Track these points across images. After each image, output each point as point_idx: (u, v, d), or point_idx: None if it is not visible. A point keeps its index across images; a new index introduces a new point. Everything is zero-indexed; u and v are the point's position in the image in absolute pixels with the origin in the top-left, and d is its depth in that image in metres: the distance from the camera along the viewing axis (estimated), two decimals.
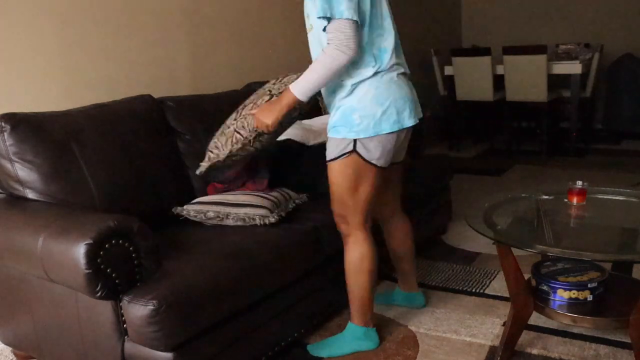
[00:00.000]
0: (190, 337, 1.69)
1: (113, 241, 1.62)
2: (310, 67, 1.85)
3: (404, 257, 2.38)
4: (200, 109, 2.63)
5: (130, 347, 1.68)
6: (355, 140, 1.89)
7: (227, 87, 3.05)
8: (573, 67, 5.00)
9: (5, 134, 1.92)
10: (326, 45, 1.80)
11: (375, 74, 1.87)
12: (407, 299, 2.49)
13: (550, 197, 2.30)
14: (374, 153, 1.90)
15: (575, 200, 2.16)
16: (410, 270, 2.42)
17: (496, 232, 1.95)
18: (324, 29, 1.81)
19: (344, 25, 1.76)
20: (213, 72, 3.15)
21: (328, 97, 1.98)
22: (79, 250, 1.57)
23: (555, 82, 5.09)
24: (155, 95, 2.53)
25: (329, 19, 1.77)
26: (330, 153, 1.95)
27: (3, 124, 1.92)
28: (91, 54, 2.52)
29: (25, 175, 1.94)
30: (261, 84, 3.07)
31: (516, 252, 1.90)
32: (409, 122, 1.93)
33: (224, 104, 2.77)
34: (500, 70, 5.19)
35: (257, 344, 1.96)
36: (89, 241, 1.57)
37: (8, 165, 1.94)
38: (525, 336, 2.17)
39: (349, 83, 1.88)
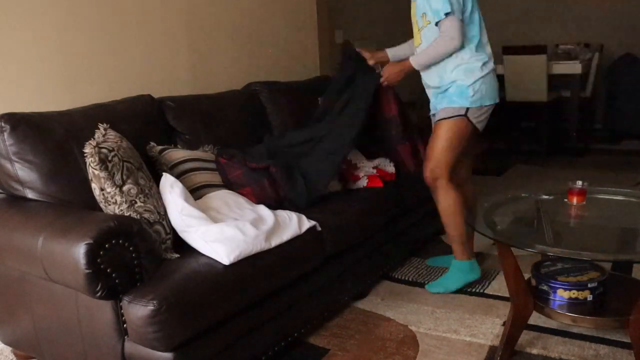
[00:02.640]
0: (190, 337, 1.69)
1: (113, 241, 1.62)
2: (426, 49, 2.46)
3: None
4: (200, 109, 2.63)
5: (130, 347, 1.68)
6: (467, 108, 2.44)
7: (227, 87, 3.05)
8: (573, 67, 5.00)
9: (5, 134, 1.92)
10: (439, 36, 2.40)
11: (484, 63, 2.46)
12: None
13: (550, 197, 2.30)
14: (479, 119, 2.50)
15: (575, 200, 2.16)
16: (469, 235, 2.69)
17: (496, 232, 1.95)
18: (436, 24, 2.38)
19: (452, 20, 2.35)
20: (213, 72, 3.15)
21: (443, 75, 2.49)
22: (79, 250, 1.57)
23: (555, 82, 5.08)
24: (155, 95, 2.53)
25: (446, 14, 2.34)
26: (442, 114, 2.49)
27: (3, 124, 1.92)
28: (91, 54, 2.52)
29: (25, 175, 1.94)
30: (261, 84, 3.08)
31: (516, 252, 1.90)
32: (497, 99, 2.56)
33: (224, 104, 2.77)
34: (500, 70, 5.19)
35: (257, 344, 1.96)
36: (89, 241, 1.57)
37: (8, 165, 1.94)
38: (525, 336, 2.17)
39: (462, 67, 2.43)
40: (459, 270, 2.59)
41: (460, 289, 2.60)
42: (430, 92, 2.65)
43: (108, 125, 1.99)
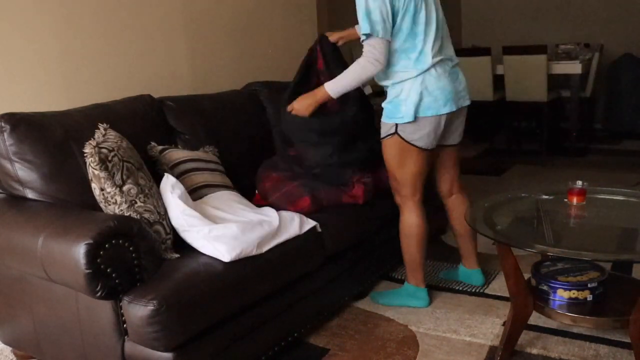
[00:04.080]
0: (190, 337, 1.69)
1: (113, 241, 1.62)
2: (345, 72, 2.25)
3: (460, 235, 2.63)
4: (200, 109, 2.63)
5: (130, 347, 1.68)
6: (396, 125, 2.25)
7: (227, 87, 3.05)
8: (573, 67, 5.00)
9: (5, 134, 1.92)
10: (361, 57, 2.17)
11: (417, 74, 2.20)
12: (465, 276, 2.71)
13: (550, 197, 2.30)
14: (412, 135, 2.25)
15: (575, 200, 2.16)
16: (468, 247, 2.64)
17: (496, 232, 1.95)
18: (362, 41, 2.18)
19: (374, 42, 2.13)
20: (213, 72, 3.15)
21: (384, 85, 2.33)
22: (79, 250, 1.57)
23: (555, 82, 5.08)
24: (155, 95, 2.52)
25: (368, 35, 2.13)
26: (381, 133, 2.34)
27: (3, 124, 1.92)
28: (91, 54, 2.52)
29: (25, 175, 1.94)
30: (261, 84, 3.08)
31: (516, 252, 1.90)
32: (444, 109, 2.24)
33: (224, 104, 2.77)
34: (500, 70, 5.19)
35: (257, 343, 1.96)
36: (89, 241, 1.57)
37: (8, 165, 1.94)
38: (525, 336, 2.17)
39: (396, 82, 2.25)
40: (405, 291, 2.51)
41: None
42: None
43: (108, 125, 1.99)
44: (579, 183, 2.17)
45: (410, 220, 2.40)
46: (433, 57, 2.21)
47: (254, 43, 3.43)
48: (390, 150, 2.32)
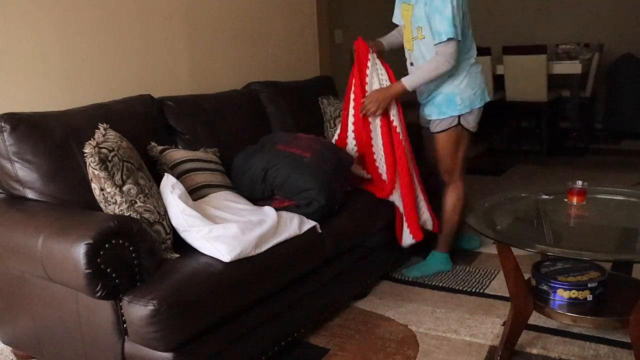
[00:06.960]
0: (190, 337, 1.69)
1: (113, 241, 1.62)
2: (422, 67, 2.52)
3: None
4: (200, 109, 2.63)
5: (130, 347, 1.69)
6: (459, 116, 2.59)
7: (227, 87, 3.05)
8: (573, 67, 4.99)
9: (5, 134, 1.92)
10: (435, 54, 2.47)
11: (469, 68, 2.58)
12: (465, 242, 3.08)
13: (550, 197, 2.30)
14: (471, 123, 2.65)
15: (575, 200, 2.17)
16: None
17: (496, 232, 1.95)
18: (437, 43, 2.44)
19: (452, 45, 2.42)
20: (213, 72, 3.15)
21: (429, 85, 2.60)
22: (79, 250, 1.57)
23: (555, 82, 5.08)
24: (155, 95, 2.52)
25: (449, 39, 2.40)
26: (438, 127, 2.65)
27: (3, 124, 1.92)
28: (91, 54, 2.52)
29: (25, 175, 1.94)
30: (261, 84, 3.08)
31: (516, 252, 1.90)
32: (488, 98, 2.69)
33: (224, 104, 2.77)
34: (500, 70, 5.19)
35: (257, 343, 1.96)
36: (89, 241, 1.57)
37: (8, 165, 1.94)
38: (525, 336, 2.17)
39: (450, 76, 2.55)
40: (437, 260, 2.85)
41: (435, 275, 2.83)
42: (418, 98, 2.78)
43: (108, 125, 1.99)
44: (579, 183, 2.17)
45: (460, 195, 2.76)
46: (474, 52, 2.60)
47: (254, 43, 3.43)
48: (449, 141, 2.65)
